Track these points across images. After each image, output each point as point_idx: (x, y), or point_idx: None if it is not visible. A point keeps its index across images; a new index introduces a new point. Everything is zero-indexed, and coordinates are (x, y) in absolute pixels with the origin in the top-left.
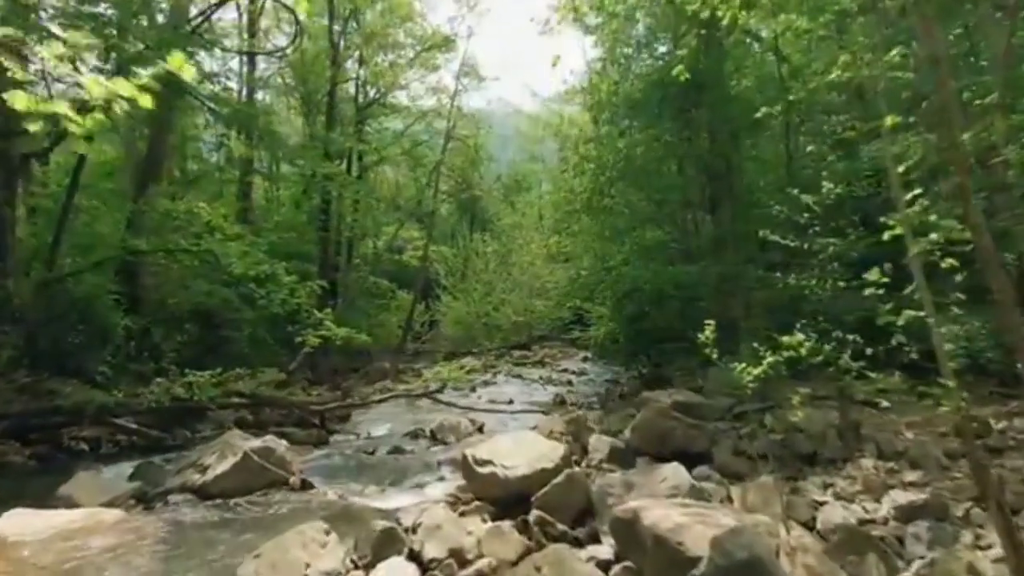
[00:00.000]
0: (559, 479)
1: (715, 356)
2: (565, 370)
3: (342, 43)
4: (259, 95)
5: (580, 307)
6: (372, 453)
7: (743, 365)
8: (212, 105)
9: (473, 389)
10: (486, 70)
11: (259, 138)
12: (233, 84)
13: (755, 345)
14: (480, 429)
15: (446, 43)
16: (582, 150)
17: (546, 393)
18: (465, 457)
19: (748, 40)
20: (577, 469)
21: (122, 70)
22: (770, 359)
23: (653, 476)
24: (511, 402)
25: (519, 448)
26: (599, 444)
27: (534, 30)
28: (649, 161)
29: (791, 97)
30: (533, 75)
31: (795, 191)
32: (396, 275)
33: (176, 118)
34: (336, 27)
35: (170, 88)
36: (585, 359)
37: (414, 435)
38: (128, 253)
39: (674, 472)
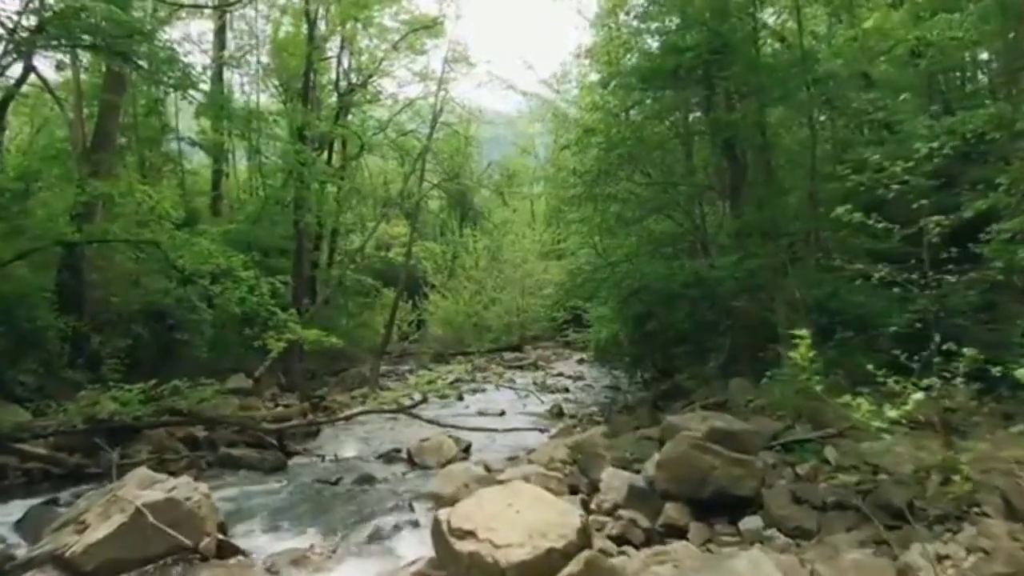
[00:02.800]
0: (574, 567)
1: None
2: (560, 374)
3: (323, 25)
4: (238, 82)
5: (576, 307)
6: (335, 483)
7: (864, 404)
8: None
9: (461, 397)
10: (477, 54)
11: (206, 106)
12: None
13: (874, 369)
14: (466, 449)
15: (433, 24)
16: (587, 119)
17: (541, 402)
18: (438, 524)
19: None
20: (599, 549)
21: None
22: (917, 396)
23: (721, 572)
24: (503, 413)
25: (514, 509)
26: (613, 480)
27: (528, 15)
28: (663, 139)
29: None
30: (529, 57)
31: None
32: (384, 273)
33: (126, 94)
34: (312, 4)
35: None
36: (581, 361)
37: (389, 457)
38: (57, 243)
39: (754, 567)
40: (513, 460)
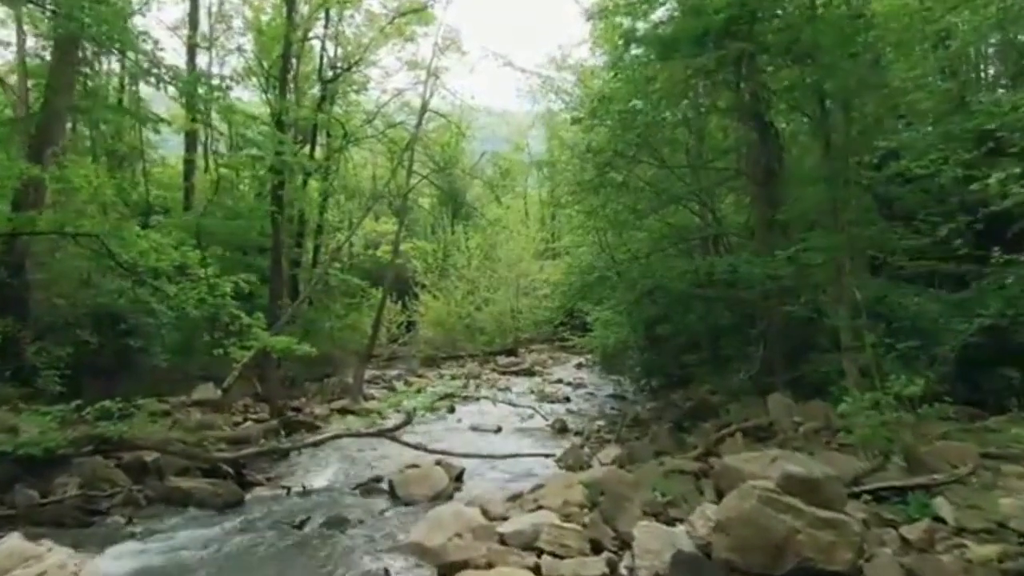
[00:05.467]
0: None
1: None
2: (559, 381)
3: (306, 9)
4: (216, 66)
5: (575, 308)
6: (300, 526)
7: None
8: None
9: (452, 409)
10: (469, 40)
11: (144, 71)
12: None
13: None
14: (459, 477)
15: (422, 9)
16: (603, 86)
17: (540, 415)
18: None
19: None
20: None
21: None
22: None
23: None
24: (499, 430)
25: None
26: (650, 539)
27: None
28: (686, 117)
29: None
30: (525, 44)
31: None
32: (373, 273)
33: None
34: None
35: None
36: (580, 366)
37: (367, 488)
38: None
39: None
40: (516, 500)
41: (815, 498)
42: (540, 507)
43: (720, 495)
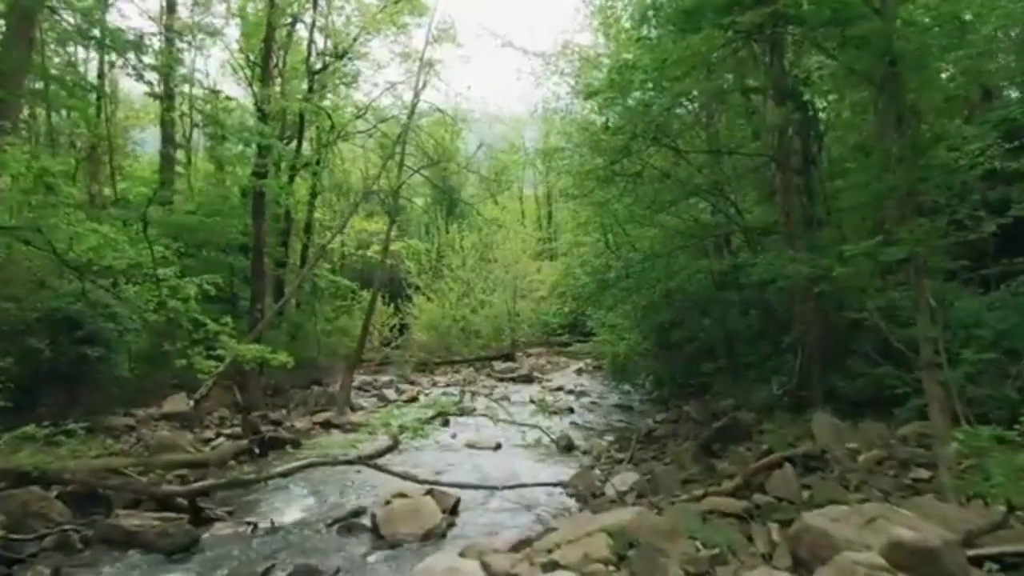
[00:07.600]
0: None
1: None
2: (560, 388)
3: None
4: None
5: (576, 311)
6: None
7: None
8: None
9: (446, 423)
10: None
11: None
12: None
13: None
14: (453, 509)
15: None
16: (626, 54)
17: (542, 428)
18: None
19: None
20: None
21: None
22: None
23: None
24: (499, 447)
25: None
26: None
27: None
28: (708, 102)
29: None
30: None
31: None
32: (365, 275)
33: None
34: None
35: None
36: (580, 372)
37: (346, 525)
38: None
39: None
40: (523, 549)
41: (932, 572)
42: (555, 564)
43: (798, 563)
